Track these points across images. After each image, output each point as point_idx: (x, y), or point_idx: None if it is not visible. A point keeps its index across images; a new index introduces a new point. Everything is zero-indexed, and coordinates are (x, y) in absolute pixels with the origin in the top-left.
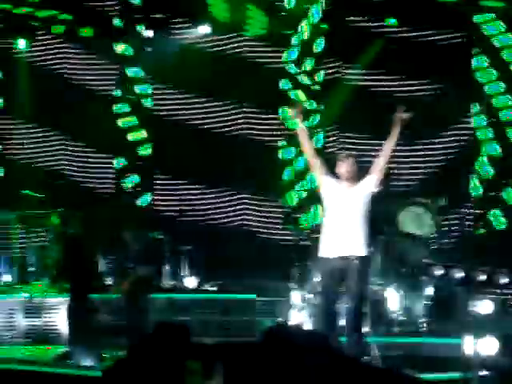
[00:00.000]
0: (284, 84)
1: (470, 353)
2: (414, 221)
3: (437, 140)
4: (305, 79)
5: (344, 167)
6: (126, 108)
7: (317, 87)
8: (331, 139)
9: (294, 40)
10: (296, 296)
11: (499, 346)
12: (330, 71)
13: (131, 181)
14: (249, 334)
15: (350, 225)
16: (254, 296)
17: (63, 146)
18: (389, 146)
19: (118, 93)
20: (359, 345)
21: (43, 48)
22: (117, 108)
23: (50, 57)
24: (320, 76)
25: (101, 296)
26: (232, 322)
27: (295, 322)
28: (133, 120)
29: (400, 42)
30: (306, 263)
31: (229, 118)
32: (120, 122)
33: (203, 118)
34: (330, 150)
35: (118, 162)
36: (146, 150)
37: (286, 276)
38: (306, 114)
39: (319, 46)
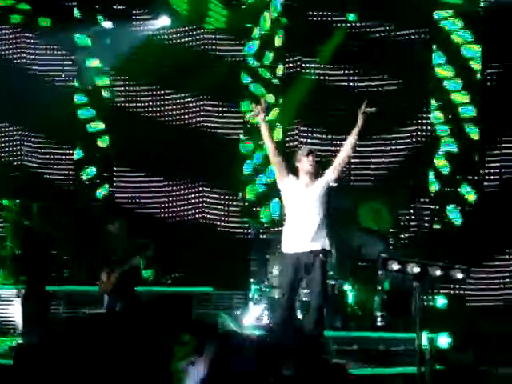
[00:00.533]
0: (244, 77)
1: (424, 347)
2: (372, 215)
3: (395, 135)
4: (265, 73)
5: (308, 162)
6: (85, 99)
7: (276, 81)
8: (291, 134)
9: (254, 33)
10: (254, 289)
11: (453, 341)
12: (290, 65)
13: (89, 173)
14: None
15: (313, 220)
16: (211, 289)
17: (22, 138)
18: (351, 140)
19: (77, 83)
20: (322, 339)
21: (1, 38)
22: (76, 99)
23: (8, 47)
24: (280, 70)
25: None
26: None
27: (253, 315)
28: (91, 111)
29: (360, 37)
30: (264, 257)
31: (188, 110)
32: (79, 113)
33: (162, 110)
34: (289, 144)
35: (78, 154)
36: (104, 142)
37: (244, 269)
38: (267, 109)
39: (279, 39)
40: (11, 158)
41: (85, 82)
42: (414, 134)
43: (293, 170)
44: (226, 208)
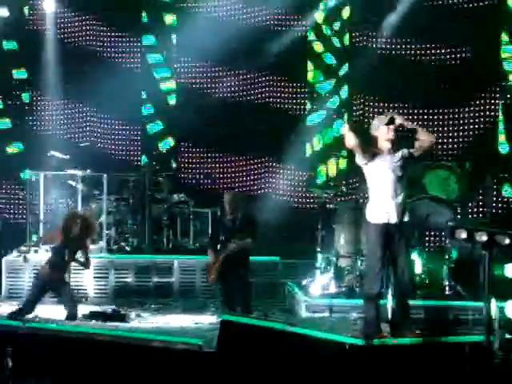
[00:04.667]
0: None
1: (493, 316)
2: (439, 184)
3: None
4: (335, 41)
5: (389, 131)
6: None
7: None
8: (356, 103)
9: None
10: (321, 258)
11: None
12: (358, 37)
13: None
14: (273, 295)
15: (399, 190)
16: (277, 258)
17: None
18: (420, 143)
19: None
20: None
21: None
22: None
23: (79, 34)
24: (347, 40)
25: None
26: (256, 284)
27: (320, 283)
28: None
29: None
30: (330, 226)
31: (255, 86)
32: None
33: (230, 89)
34: (356, 113)
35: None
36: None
37: (311, 239)
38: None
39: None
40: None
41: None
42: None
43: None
44: (293, 181)
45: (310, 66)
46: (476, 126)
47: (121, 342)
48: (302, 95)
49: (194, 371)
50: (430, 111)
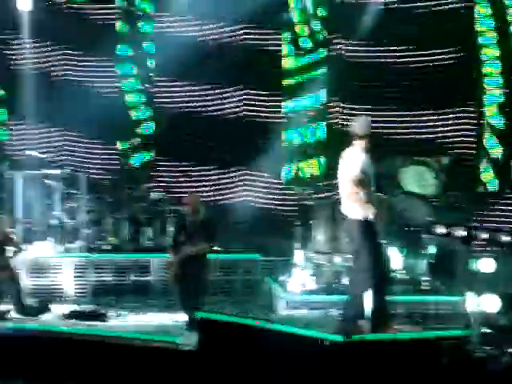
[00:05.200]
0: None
1: (471, 310)
2: (417, 179)
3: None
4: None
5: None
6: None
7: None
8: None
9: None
10: (299, 255)
11: (501, 304)
12: (332, 46)
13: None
14: (252, 292)
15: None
16: (257, 256)
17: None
18: None
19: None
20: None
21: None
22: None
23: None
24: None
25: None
26: (236, 281)
27: (298, 280)
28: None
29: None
30: (308, 222)
31: (230, 100)
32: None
33: (206, 104)
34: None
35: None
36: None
37: (290, 236)
38: None
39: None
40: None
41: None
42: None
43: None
44: (270, 185)
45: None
46: (456, 128)
47: (100, 341)
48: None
49: (172, 369)
50: (410, 113)
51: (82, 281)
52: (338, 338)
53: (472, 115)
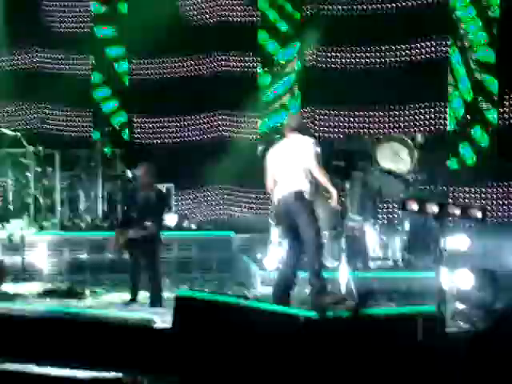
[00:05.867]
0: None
1: (445, 286)
2: (391, 156)
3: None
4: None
5: None
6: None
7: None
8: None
9: None
10: (275, 232)
11: (474, 280)
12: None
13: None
14: (228, 270)
15: None
16: (231, 233)
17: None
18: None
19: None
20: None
21: None
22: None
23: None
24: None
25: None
26: (211, 259)
27: (273, 257)
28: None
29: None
30: None
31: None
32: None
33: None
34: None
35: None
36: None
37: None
38: None
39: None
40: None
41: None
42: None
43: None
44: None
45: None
46: (428, 122)
47: (75, 320)
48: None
49: (147, 348)
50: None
51: (57, 259)
52: (313, 314)
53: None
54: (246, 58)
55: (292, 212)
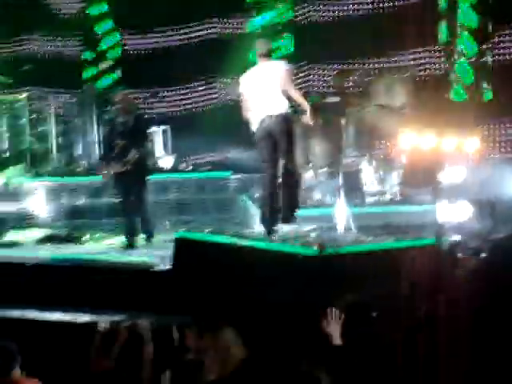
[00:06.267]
0: None
1: (443, 219)
2: (385, 91)
3: None
4: None
5: None
6: None
7: None
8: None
9: None
10: None
11: (472, 211)
12: None
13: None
14: (226, 210)
15: None
16: (228, 173)
17: None
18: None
19: None
20: None
21: None
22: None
23: None
24: None
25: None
26: (209, 200)
27: None
28: None
29: None
30: None
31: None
32: None
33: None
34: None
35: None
36: None
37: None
38: None
39: None
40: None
41: None
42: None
43: None
44: None
45: None
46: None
47: (75, 265)
48: None
49: (147, 289)
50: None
51: (55, 205)
52: (312, 251)
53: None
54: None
55: (274, 134)
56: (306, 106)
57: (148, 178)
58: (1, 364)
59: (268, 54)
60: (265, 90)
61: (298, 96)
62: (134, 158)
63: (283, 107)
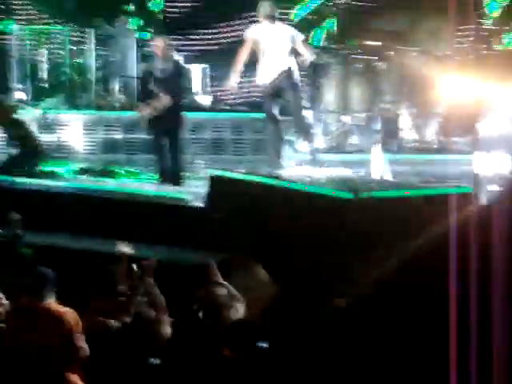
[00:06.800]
0: None
1: (481, 169)
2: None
3: None
4: None
5: None
6: None
7: None
8: None
9: None
10: (308, 114)
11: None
12: None
13: None
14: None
15: None
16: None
17: None
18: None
19: None
20: None
21: None
22: None
23: None
24: None
25: None
26: (244, 140)
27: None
28: None
29: None
30: (316, 82)
31: None
32: None
33: None
34: None
35: None
36: None
37: None
38: None
39: None
40: None
41: None
42: None
43: None
44: None
45: None
46: None
47: (109, 198)
48: None
49: (181, 226)
50: None
51: (91, 138)
52: (348, 195)
53: None
54: None
55: (282, 89)
56: (307, 51)
57: (183, 119)
58: (37, 288)
59: (274, 17)
60: (276, 46)
61: (305, 49)
62: (169, 104)
63: (292, 63)
